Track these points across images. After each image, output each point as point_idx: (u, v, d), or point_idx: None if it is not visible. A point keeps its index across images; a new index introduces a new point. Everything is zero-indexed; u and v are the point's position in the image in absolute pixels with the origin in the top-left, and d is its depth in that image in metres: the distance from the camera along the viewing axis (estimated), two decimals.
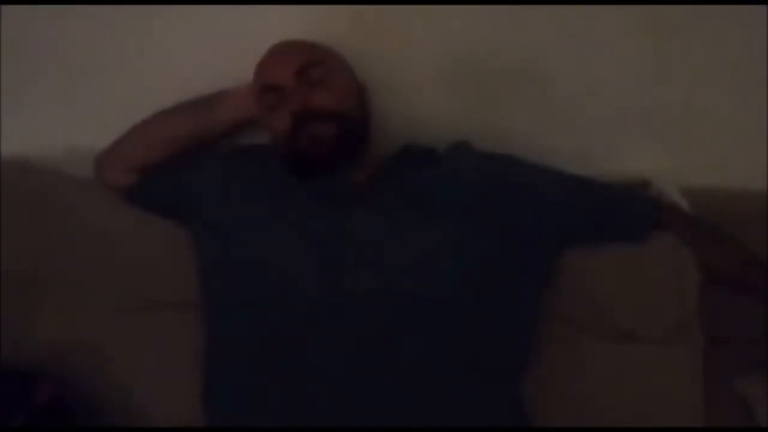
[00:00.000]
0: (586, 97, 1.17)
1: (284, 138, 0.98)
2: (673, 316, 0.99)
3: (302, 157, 0.97)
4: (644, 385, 0.99)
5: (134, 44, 1.16)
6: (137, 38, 1.15)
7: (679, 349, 0.99)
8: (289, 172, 0.99)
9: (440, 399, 0.86)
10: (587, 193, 1.02)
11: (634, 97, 1.17)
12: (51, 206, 1.06)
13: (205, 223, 1.01)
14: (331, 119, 0.97)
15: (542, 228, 0.96)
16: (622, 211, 1.02)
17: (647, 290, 1.00)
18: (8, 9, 1.13)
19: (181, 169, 1.06)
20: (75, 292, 1.05)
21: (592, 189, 1.03)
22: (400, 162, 1.02)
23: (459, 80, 1.15)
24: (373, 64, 1.09)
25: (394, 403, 0.85)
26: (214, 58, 1.13)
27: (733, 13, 1.10)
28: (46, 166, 1.12)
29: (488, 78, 1.16)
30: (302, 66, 0.98)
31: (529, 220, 0.96)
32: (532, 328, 0.96)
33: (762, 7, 1.10)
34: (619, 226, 1.01)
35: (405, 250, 0.90)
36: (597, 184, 1.04)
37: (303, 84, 0.97)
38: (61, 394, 0.94)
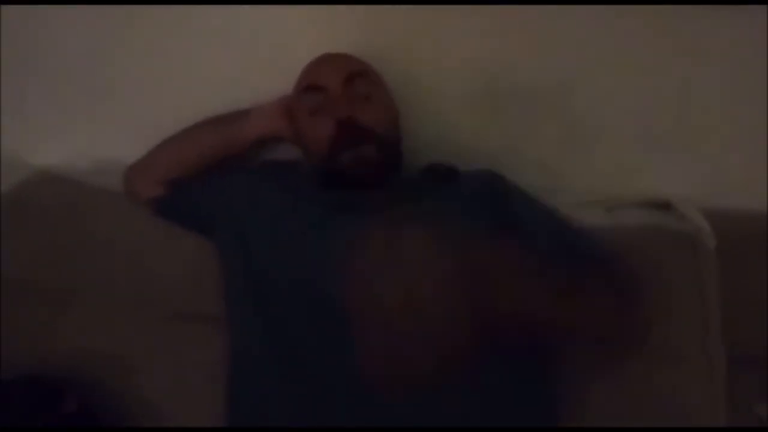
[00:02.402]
0: (609, 120, 1.17)
1: (324, 144, 0.98)
2: (694, 329, 0.99)
3: (341, 173, 0.98)
4: (664, 402, 0.99)
5: (161, 61, 1.18)
6: (164, 55, 1.18)
7: (700, 365, 0.99)
8: (321, 180, 1.00)
9: (462, 399, 0.86)
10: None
11: (656, 119, 1.17)
12: (78, 218, 1.08)
13: (229, 236, 1.02)
14: (372, 140, 0.97)
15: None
16: None
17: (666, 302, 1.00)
18: (39, 25, 1.16)
19: (208, 183, 1.08)
20: (99, 303, 1.07)
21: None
22: (422, 181, 1.03)
23: (485, 103, 1.16)
24: (400, 85, 1.10)
25: (409, 406, 0.85)
26: (239, 75, 1.15)
27: (759, 37, 1.10)
28: (74, 178, 1.15)
29: (512, 100, 1.16)
30: (351, 74, 0.99)
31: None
32: None
33: None
34: None
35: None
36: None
37: (350, 93, 0.98)
38: (87, 403, 0.94)
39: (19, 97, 1.21)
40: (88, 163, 1.20)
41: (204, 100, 1.14)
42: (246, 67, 1.16)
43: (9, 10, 1.15)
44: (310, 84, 1.00)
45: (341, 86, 0.98)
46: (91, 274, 1.07)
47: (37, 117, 1.23)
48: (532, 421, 0.89)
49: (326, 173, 1.00)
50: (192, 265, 1.06)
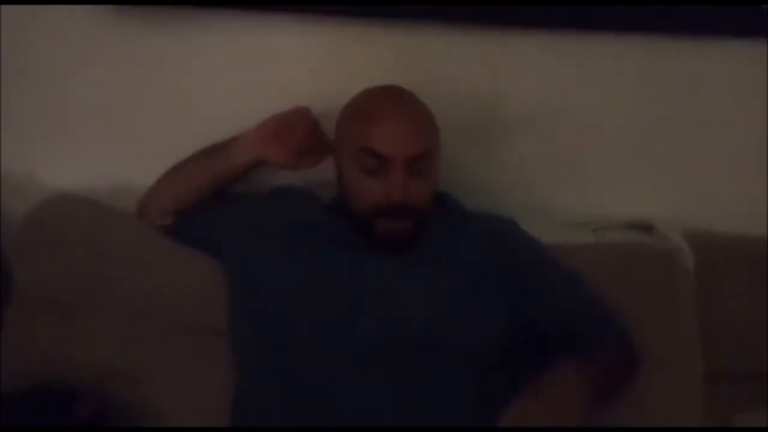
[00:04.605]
0: (593, 146, 1.26)
1: (366, 206, 1.00)
2: (672, 338, 1.07)
3: (369, 231, 1.00)
4: (646, 403, 1.05)
5: (171, 89, 1.25)
6: (175, 84, 1.25)
7: (678, 371, 1.07)
8: (341, 213, 1.05)
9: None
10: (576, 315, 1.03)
11: (638, 144, 1.25)
12: (93, 236, 1.14)
13: (234, 261, 1.09)
14: (413, 217, 1.00)
15: (525, 316, 1.01)
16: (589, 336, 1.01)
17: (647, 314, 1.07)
18: (56, 53, 1.23)
19: (214, 212, 1.14)
20: (111, 317, 1.12)
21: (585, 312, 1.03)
22: (433, 218, 1.06)
23: (479, 132, 1.23)
24: None
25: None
26: (244, 102, 1.20)
27: (733, 60, 1.19)
28: (89, 199, 1.20)
29: (501, 129, 1.24)
30: (419, 154, 0.99)
31: (522, 308, 1.01)
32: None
33: (762, 52, 1.17)
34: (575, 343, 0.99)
35: (415, 304, 0.98)
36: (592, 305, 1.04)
37: (409, 173, 0.99)
38: (101, 412, 1.00)
39: (36, 123, 1.28)
40: (101, 186, 1.26)
41: (212, 126, 1.19)
42: (250, 93, 1.22)
43: (30, 37, 1.22)
44: (373, 150, 0.99)
45: (404, 162, 0.98)
46: (104, 289, 1.12)
47: (51, 142, 1.28)
48: None
49: (354, 219, 1.03)
50: (200, 281, 1.11)
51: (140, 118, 1.27)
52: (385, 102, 1.04)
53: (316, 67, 1.19)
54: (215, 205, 1.14)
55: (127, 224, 1.17)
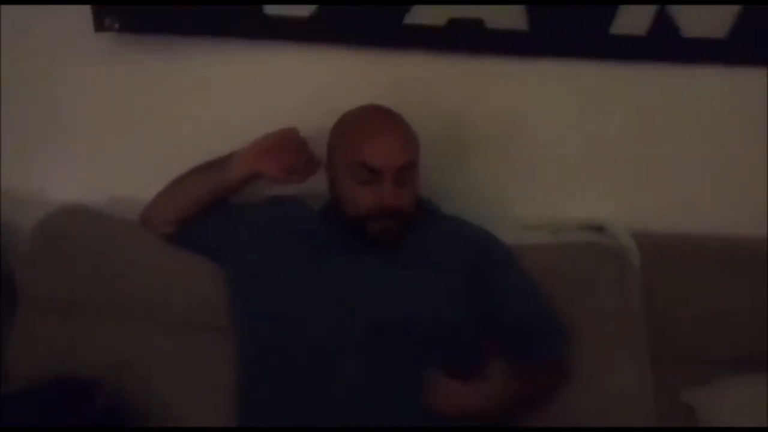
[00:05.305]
0: (548, 158, 1.36)
1: (359, 210, 1.10)
2: (619, 323, 1.20)
3: (362, 232, 1.11)
4: (596, 380, 1.17)
5: (166, 111, 1.34)
6: (168, 106, 1.33)
7: (626, 350, 1.20)
8: (332, 217, 1.15)
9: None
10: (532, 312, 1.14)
11: (588, 157, 1.36)
12: (101, 244, 1.23)
13: (233, 265, 1.18)
14: (400, 218, 1.11)
15: (489, 313, 1.13)
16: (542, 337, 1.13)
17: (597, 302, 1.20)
18: (59, 78, 1.30)
19: (212, 222, 1.22)
20: (120, 317, 1.21)
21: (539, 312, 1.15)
22: (416, 222, 1.17)
23: (450, 147, 1.33)
24: None
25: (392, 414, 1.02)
26: (242, 120, 1.27)
27: (653, 85, 1.30)
28: (96, 209, 1.29)
29: (471, 144, 1.34)
30: (404, 166, 1.10)
31: (487, 306, 1.13)
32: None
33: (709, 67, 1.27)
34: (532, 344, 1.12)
35: (404, 296, 1.09)
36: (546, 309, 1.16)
37: (398, 182, 1.09)
38: (116, 403, 1.08)
39: (38, 142, 1.35)
40: (104, 199, 1.34)
41: (206, 144, 1.27)
42: (248, 112, 1.30)
43: (33, 61, 1.29)
44: (367, 164, 1.08)
45: (393, 173, 1.08)
46: (112, 291, 1.21)
47: (52, 160, 1.36)
48: None
49: (348, 223, 1.12)
50: (201, 283, 1.20)
51: (136, 138, 1.34)
52: (375, 121, 1.14)
53: (305, 91, 1.28)
54: (214, 214, 1.23)
55: (131, 232, 1.25)
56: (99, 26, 1.21)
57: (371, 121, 1.15)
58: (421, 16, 1.21)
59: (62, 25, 1.25)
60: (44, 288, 1.21)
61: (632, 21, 1.21)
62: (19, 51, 1.28)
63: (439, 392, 0.99)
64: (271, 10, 1.21)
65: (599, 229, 1.34)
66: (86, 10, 1.21)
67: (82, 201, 1.31)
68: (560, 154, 1.36)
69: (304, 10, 1.21)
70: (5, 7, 1.24)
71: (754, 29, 1.22)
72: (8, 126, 1.34)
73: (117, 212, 1.30)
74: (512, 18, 1.21)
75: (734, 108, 1.32)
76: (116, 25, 1.22)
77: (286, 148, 1.22)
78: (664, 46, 1.24)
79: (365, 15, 1.22)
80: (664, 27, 1.21)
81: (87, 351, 1.18)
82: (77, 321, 1.20)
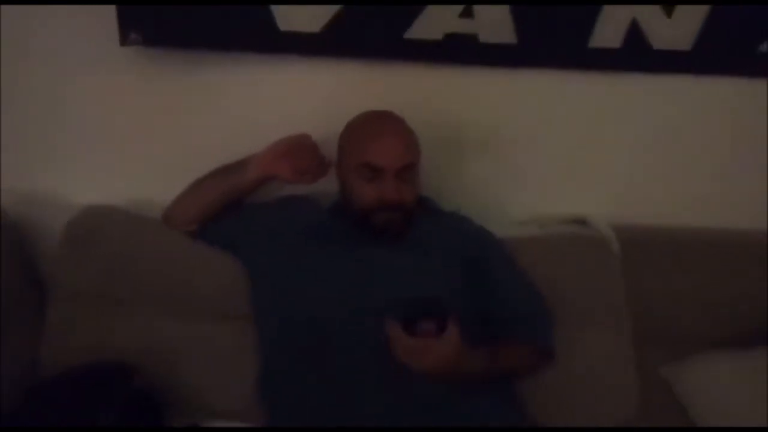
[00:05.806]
0: (536, 160, 1.46)
1: (366, 205, 1.19)
2: (601, 304, 1.31)
3: (368, 225, 1.20)
4: (580, 355, 1.28)
5: (183, 119, 1.41)
6: (186, 115, 1.40)
7: (608, 328, 1.31)
8: (342, 212, 1.25)
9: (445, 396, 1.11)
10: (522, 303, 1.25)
11: (572, 158, 1.47)
12: (130, 240, 1.31)
13: (252, 259, 1.27)
14: (404, 211, 1.20)
15: (482, 299, 1.23)
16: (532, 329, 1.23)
17: (581, 286, 1.31)
18: (85, 89, 1.37)
19: (231, 218, 1.31)
20: (148, 308, 1.29)
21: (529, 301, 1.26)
22: (417, 217, 1.27)
23: (446, 148, 1.41)
24: None
25: (399, 399, 1.10)
26: (252, 128, 1.35)
27: (631, 95, 1.40)
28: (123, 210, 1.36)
29: (466, 147, 1.44)
30: (406, 166, 1.19)
31: (480, 294, 1.24)
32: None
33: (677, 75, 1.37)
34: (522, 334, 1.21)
35: (413, 279, 1.19)
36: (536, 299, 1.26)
37: (400, 179, 1.18)
38: (152, 383, 1.17)
39: (63, 149, 1.42)
40: (123, 201, 1.40)
41: (229, 148, 1.34)
42: (263, 119, 1.36)
43: (61, 71, 1.35)
44: (371, 164, 1.18)
45: (395, 172, 1.18)
46: (141, 284, 1.29)
47: (77, 165, 1.43)
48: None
49: (356, 216, 1.21)
50: (223, 275, 1.29)
51: (155, 145, 1.42)
52: (378, 125, 1.24)
53: (316, 100, 1.37)
54: (233, 212, 1.31)
55: (154, 229, 1.33)
56: (124, 40, 1.30)
57: (375, 125, 1.24)
58: (420, 31, 1.31)
59: (90, 40, 1.32)
60: (77, 282, 1.29)
61: (608, 35, 1.33)
62: (49, 64, 1.36)
63: (399, 345, 1.01)
64: (283, 25, 1.29)
65: (582, 222, 1.45)
66: (113, 25, 1.29)
67: (102, 202, 1.37)
68: (547, 156, 1.47)
69: (314, 26, 1.31)
70: (40, 26, 1.32)
71: (716, 42, 1.35)
72: (35, 134, 1.41)
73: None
74: (503, 33, 1.32)
75: (700, 112, 1.44)
76: (140, 40, 1.30)
77: (299, 152, 1.31)
78: (637, 57, 1.35)
79: (370, 30, 1.32)
80: (636, 40, 1.33)
81: (117, 340, 1.27)
82: (108, 312, 1.28)
